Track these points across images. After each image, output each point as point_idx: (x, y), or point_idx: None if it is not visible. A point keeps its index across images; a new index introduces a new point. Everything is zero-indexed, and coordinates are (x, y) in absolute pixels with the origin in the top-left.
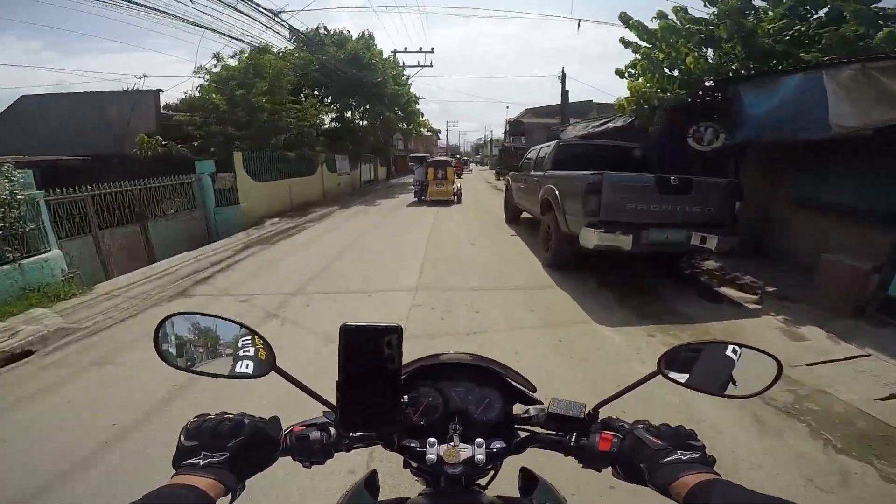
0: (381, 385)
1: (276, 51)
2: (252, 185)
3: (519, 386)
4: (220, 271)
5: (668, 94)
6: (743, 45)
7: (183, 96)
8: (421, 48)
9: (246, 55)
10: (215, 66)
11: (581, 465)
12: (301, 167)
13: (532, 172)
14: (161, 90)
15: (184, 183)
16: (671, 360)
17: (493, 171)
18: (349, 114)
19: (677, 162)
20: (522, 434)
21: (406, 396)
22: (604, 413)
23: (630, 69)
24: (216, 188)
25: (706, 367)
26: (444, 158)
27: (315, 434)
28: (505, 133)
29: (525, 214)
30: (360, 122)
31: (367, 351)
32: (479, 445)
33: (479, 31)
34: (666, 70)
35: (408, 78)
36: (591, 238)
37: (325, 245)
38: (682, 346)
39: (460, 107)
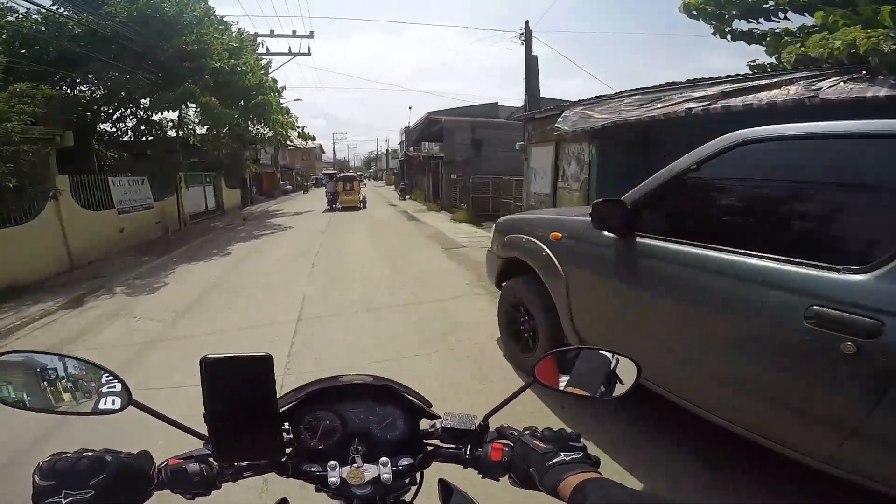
0: (254, 415)
1: None
2: None
3: (416, 401)
4: None
5: None
6: None
7: None
8: (295, 31)
9: None
10: None
11: (480, 475)
12: None
13: None
14: None
15: None
16: (544, 368)
17: (398, 190)
18: (159, 113)
19: None
20: (430, 449)
21: (288, 423)
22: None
23: None
24: None
25: (581, 374)
26: (351, 175)
27: (193, 466)
28: (401, 143)
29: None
30: (192, 127)
31: (234, 383)
32: (384, 464)
33: (375, 41)
34: None
35: (268, 63)
36: None
37: None
38: (557, 351)
39: (351, 108)
